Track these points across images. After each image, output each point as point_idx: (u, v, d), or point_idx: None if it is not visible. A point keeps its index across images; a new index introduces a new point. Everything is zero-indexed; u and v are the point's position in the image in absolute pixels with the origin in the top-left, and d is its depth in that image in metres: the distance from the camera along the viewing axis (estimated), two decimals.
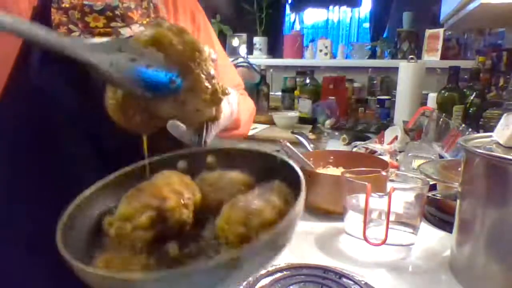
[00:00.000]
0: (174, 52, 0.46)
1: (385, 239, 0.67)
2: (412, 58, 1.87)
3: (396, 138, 1.41)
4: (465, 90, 1.68)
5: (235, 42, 2.88)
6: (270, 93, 2.61)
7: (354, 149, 1.38)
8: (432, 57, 2.33)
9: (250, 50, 2.92)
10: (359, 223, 0.70)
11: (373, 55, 2.65)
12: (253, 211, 0.37)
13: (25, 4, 0.66)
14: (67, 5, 0.69)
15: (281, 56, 2.87)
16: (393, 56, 2.53)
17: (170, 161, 0.50)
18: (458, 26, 1.82)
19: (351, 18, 3.03)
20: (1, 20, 0.37)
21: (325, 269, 0.64)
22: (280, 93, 2.66)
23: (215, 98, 0.49)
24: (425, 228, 0.83)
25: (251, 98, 0.96)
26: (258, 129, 2.18)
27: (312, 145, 1.44)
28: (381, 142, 1.45)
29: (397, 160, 1.25)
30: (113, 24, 0.71)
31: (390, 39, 2.62)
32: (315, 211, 0.89)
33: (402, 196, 0.72)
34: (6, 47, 0.64)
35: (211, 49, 0.50)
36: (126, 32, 0.72)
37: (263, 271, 0.62)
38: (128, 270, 0.37)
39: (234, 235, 0.37)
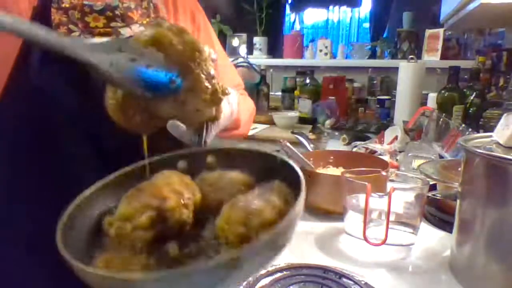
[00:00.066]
0: (174, 52, 0.46)
1: (385, 239, 0.67)
2: (412, 58, 1.87)
3: (396, 138, 1.41)
4: (465, 90, 1.68)
5: (235, 42, 2.88)
6: (270, 93, 2.62)
7: (354, 149, 1.38)
8: (432, 57, 2.33)
9: (250, 50, 2.92)
10: (359, 223, 0.70)
11: (373, 55, 2.65)
12: (253, 211, 0.37)
13: (25, 4, 0.66)
14: (67, 5, 0.69)
15: (281, 56, 2.87)
16: (393, 56, 2.53)
17: (170, 161, 0.50)
18: (458, 26, 1.82)
19: (351, 18, 3.03)
20: (1, 20, 0.37)
21: (325, 269, 0.64)
22: (280, 93, 2.65)
23: (215, 98, 0.49)
24: (425, 228, 0.83)
25: (251, 98, 0.96)
26: (258, 129, 2.18)
27: (312, 145, 1.44)
28: (381, 142, 1.45)
29: (397, 160, 1.25)
30: (113, 24, 0.71)
31: (390, 39, 2.62)
32: (315, 211, 0.89)
33: (402, 196, 0.72)
34: (6, 47, 0.64)
35: (211, 49, 0.50)
36: (126, 32, 0.72)
37: (263, 271, 0.62)
38: (128, 270, 0.37)
39: (234, 235, 0.37)
